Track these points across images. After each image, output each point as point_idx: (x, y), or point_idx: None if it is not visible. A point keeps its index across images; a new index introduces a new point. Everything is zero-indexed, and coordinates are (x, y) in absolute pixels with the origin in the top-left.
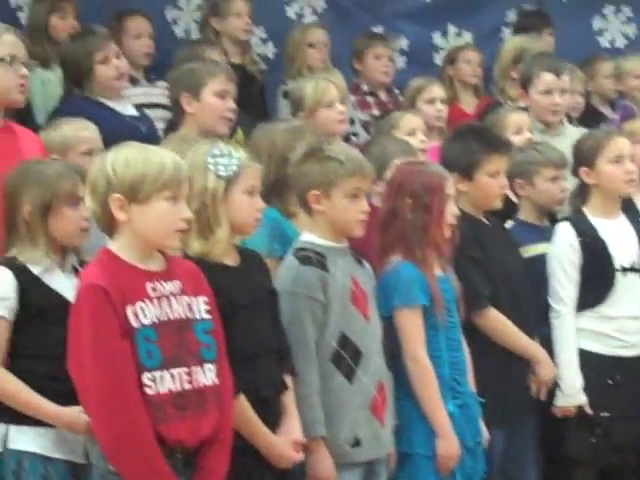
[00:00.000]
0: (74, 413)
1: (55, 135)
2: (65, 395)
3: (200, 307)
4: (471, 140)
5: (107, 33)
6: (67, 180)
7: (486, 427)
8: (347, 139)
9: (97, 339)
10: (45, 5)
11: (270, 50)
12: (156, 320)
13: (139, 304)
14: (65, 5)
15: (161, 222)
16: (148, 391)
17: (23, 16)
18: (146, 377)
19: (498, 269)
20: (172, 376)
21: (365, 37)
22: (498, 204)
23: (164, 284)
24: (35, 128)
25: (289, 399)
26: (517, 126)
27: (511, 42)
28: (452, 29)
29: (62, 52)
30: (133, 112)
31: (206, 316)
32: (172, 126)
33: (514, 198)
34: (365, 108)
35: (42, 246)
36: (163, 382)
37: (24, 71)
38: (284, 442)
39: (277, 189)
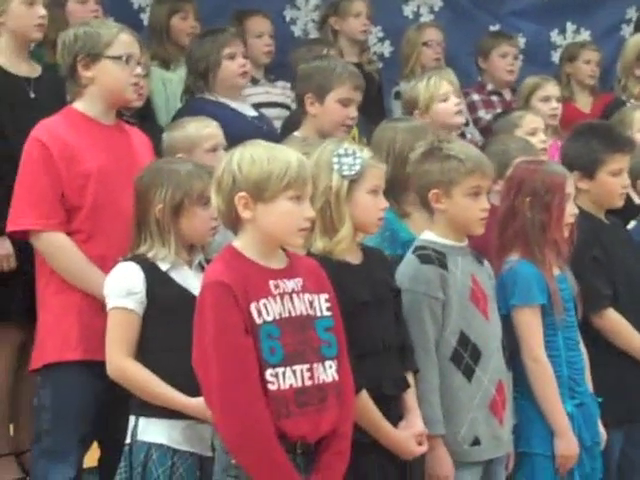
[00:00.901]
0: (203, 404)
1: (179, 134)
2: (191, 389)
3: (321, 304)
4: (593, 139)
5: (236, 31)
6: (199, 180)
7: (604, 427)
8: (463, 136)
9: (221, 335)
10: (166, 6)
11: (387, 49)
12: (278, 317)
13: (262, 301)
14: (185, 6)
15: (285, 221)
16: (270, 387)
17: (145, 17)
18: (269, 373)
19: (619, 269)
20: (294, 372)
21: (490, 36)
22: (620, 203)
23: (286, 282)
24: (156, 128)
25: (411, 397)
26: None
27: (634, 39)
28: (570, 27)
29: (191, 47)
30: (253, 112)
31: (327, 313)
32: (290, 124)
33: (637, 199)
34: (490, 107)
35: (172, 244)
36: (285, 378)
37: (139, 70)
38: (406, 435)
39: (394, 188)
